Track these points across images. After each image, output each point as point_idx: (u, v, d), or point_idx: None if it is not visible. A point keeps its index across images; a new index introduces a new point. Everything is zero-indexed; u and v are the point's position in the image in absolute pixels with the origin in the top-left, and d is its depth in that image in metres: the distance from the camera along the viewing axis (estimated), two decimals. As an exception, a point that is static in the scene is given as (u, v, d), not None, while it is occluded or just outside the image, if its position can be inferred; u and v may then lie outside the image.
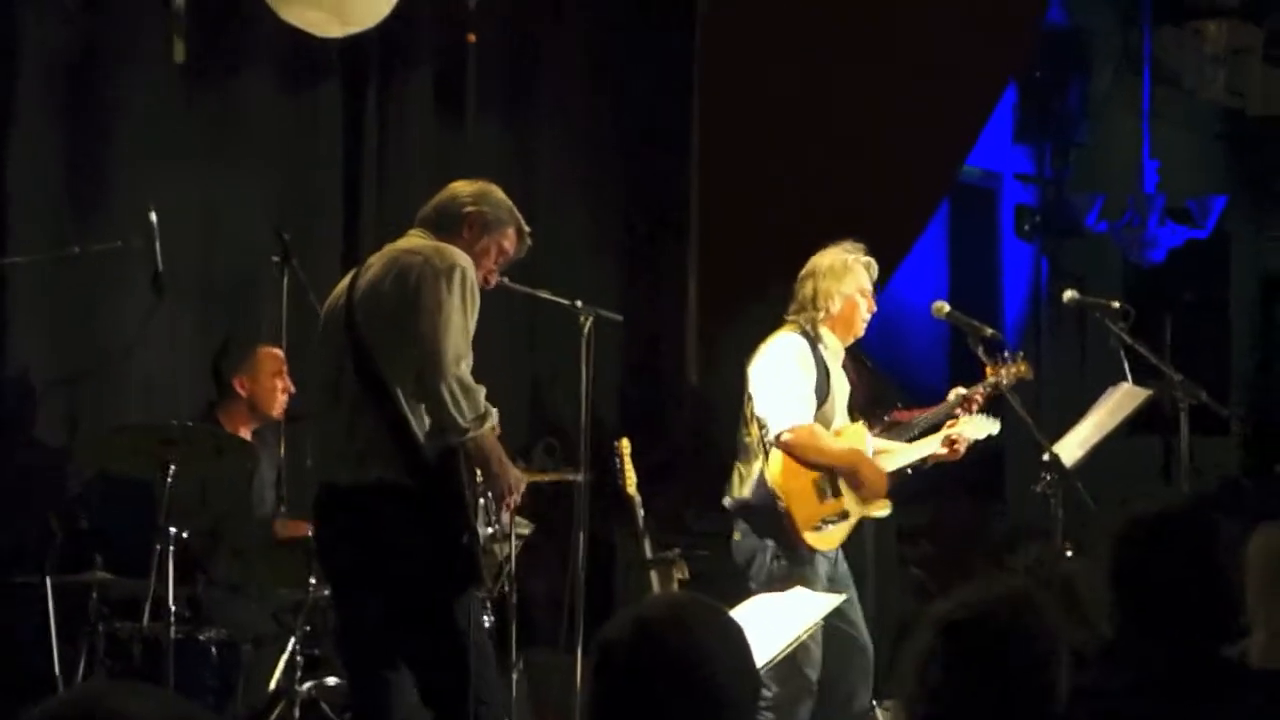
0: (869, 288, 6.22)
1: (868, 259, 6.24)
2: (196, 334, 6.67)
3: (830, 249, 6.24)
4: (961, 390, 6.34)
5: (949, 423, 6.29)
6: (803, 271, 6.22)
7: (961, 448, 6.26)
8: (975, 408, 6.33)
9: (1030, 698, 2.71)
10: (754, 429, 6.08)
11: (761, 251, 6.41)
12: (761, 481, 6.00)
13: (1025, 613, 2.77)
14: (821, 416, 6.07)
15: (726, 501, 6.15)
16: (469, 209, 4.96)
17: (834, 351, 6.18)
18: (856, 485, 6.05)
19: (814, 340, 6.13)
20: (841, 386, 6.21)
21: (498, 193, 5.05)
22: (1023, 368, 6.46)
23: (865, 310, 6.22)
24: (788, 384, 6.04)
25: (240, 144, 6.88)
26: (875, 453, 6.20)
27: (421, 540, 4.67)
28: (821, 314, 6.13)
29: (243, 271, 6.83)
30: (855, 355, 6.66)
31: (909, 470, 6.29)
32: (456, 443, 4.66)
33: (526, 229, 5.07)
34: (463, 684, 4.67)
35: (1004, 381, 6.33)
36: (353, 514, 4.75)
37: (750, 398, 6.11)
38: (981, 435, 6.35)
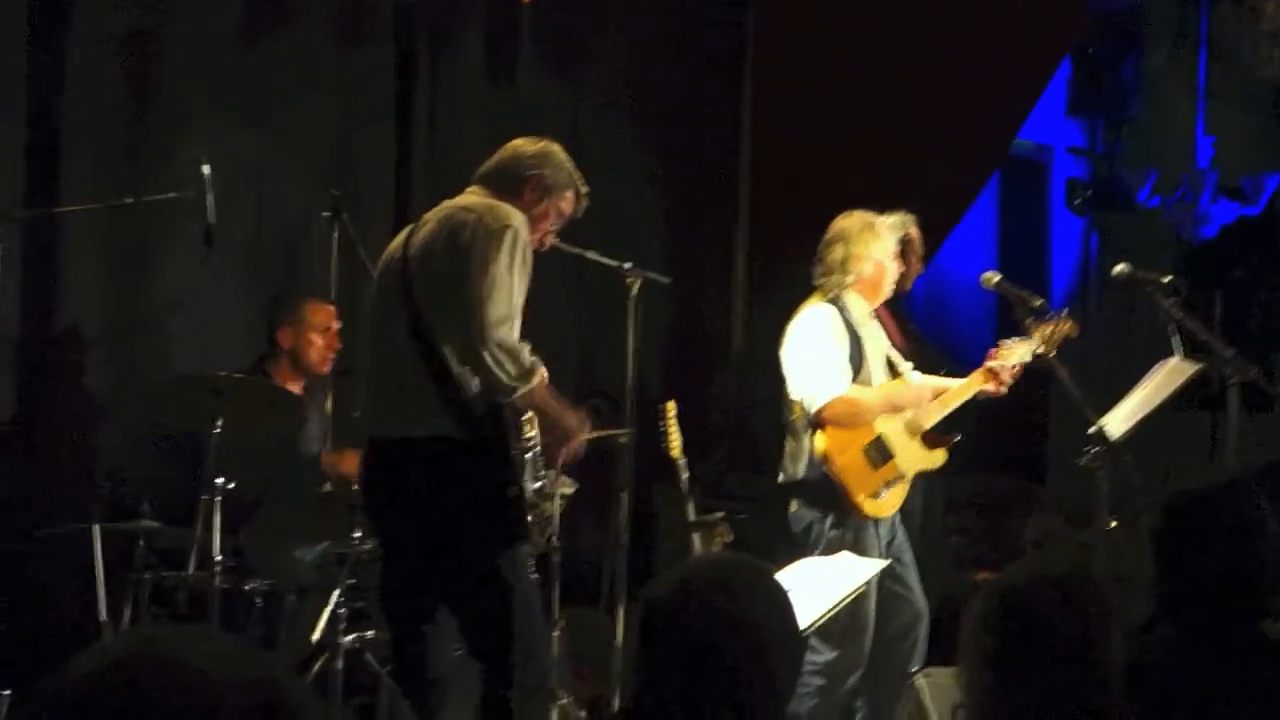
0: (896, 249, 6.20)
1: (894, 219, 6.21)
2: (247, 288, 6.70)
3: (855, 212, 6.22)
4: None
5: (989, 353, 6.28)
6: (828, 235, 6.19)
7: (1006, 377, 6.24)
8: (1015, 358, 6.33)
9: (1083, 669, 2.72)
10: (797, 408, 6.08)
11: (810, 218, 6.38)
12: (813, 459, 6.01)
13: (1080, 585, 2.78)
14: (858, 383, 6.06)
15: (780, 479, 6.16)
16: (530, 171, 4.94)
17: (863, 314, 6.17)
18: (906, 410, 6.06)
19: (842, 307, 6.12)
20: (876, 348, 6.19)
21: (560, 154, 5.03)
22: (1067, 325, 6.44)
23: (895, 273, 6.20)
24: (819, 359, 6.02)
25: (293, 100, 6.90)
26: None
27: (469, 494, 4.68)
28: (850, 278, 6.11)
29: (293, 227, 6.86)
30: (901, 321, 6.65)
31: (958, 437, 6.29)
32: (506, 400, 4.67)
33: (585, 190, 5.06)
34: (509, 637, 4.69)
35: (1050, 339, 6.32)
36: (401, 468, 4.77)
37: (787, 381, 6.11)
38: (1027, 357, 6.32)
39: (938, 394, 6.24)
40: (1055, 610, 2.74)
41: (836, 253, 6.13)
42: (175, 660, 1.50)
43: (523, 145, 5.02)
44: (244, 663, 1.52)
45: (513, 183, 4.93)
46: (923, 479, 6.33)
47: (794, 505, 6.12)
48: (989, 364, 6.24)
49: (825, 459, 5.97)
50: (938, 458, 6.23)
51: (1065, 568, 2.81)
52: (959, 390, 6.25)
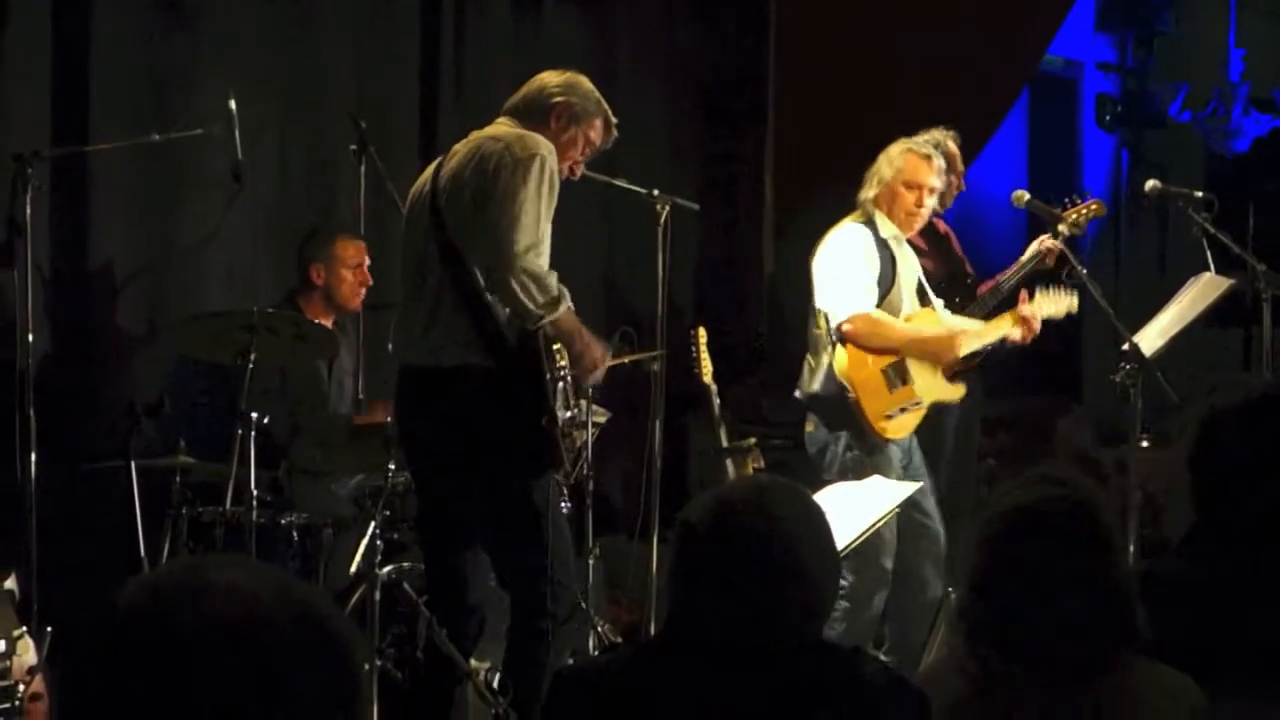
0: (924, 180, 6.12)
1: (926, 151, 6.15)
2: (276, 223, 6.70)
3: (905, 138, 6.20)
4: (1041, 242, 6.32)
5: (1022, 297, 6.26)
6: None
7: (1036, 325, 6.22)
8: (1050, 260, 6.30)
9: (1081, 588, 2.72)
10: (821, 321, 6.07)
11: (838, 140, 6.37)
12: (830, 374, 6.00)
13: (1077, 506, 2.78)
14: (887, 305, 6.04)
15: (798, 394, 6.17)
16: (557, 99, 4.94)
17: (897, 239, 6.14)
18: (931, 359, 6.04)
19: (875, 228, 6.10)
20: (909, 273, 6.16)
21: (586, 83, 5.02)
22: (1094, 205, 6.42)
23: (914, 202, 6.13)
24: (848, 274, 6.01)
25: (317, 33, 6.87)
26: (951, 331, 6.18)
27: (501, 423, 4.70)
28: (867, 194, 6.11)
29: (321, 161, 6.85)
30: (942, 236, 6.63)
31: (984, 353, 6.27)
32: (534, 328, 4.68)
33: (614, 120, 5.05)
34: (540, 566, 4.71)
35: (1079, 221, 6.31)
36: (434, 397, 4.78)
37: (814, 290, 6.10)
38: (1060, 312, 6.30)
39: (967, 332, 6.21)
40: (1037, 538, 2.74)
41: (870, 173, 6.13)
42: (216, 586, 1.51)
43: (548, 76, 5.03)
44: (283, 588, 1.54)
45: (540, 112, 4.93)
46: (958, 405, 6.32)
47: (810, 425, 6.13)
48: (1021, 310, 6.22)
49: (843, 373, 5.96)
50: (957, 391, 6.20)
51: (1054, 495, 2.79)
52: (986, 331, 6.22)
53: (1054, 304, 6.29)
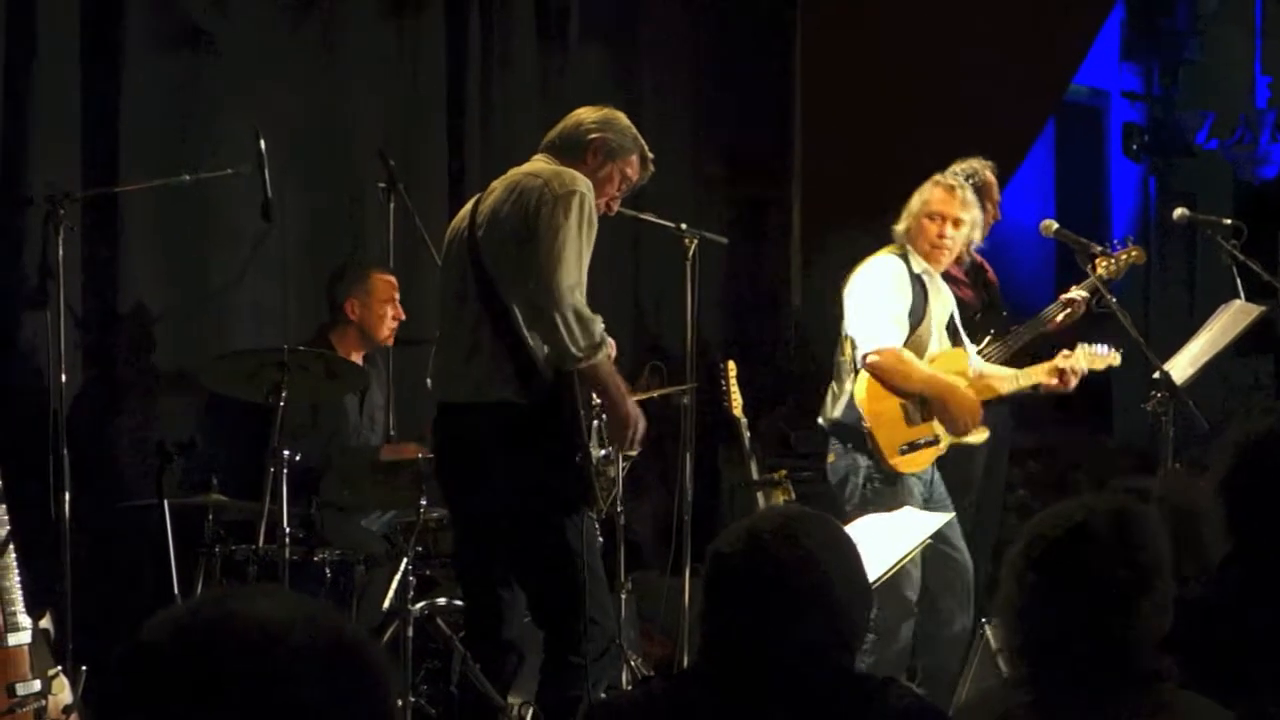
0: (946, 211, 6.06)
1: (951, 182, 6.12)
2: (305, 260, 6.73)
3: (940, 174, 6.19)
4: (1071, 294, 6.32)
5: (1064, 353, 6.23)
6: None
7: (1073, 381, 6.20)
8: (1081, 309, 6.29)
9: (1124, 613, 2.70)
10: (848, 348, 6.06)
11: (865, 172, 6.38)
12: (851, 402, 5.99)
13: (1123, 526, 2.76)
14: (916, 339, 6.02)
15: (820, 421, 6.16)
16: (593, 135, 4.94)
17: (929, 273, 6.12)
18: (945, 417, 5.99)
19: (909, 262, 6.08)
20: (941, 310, 6.14)
21: (622, 119, 5.02)
22: (1135, 252, 6.40)
23: (936, 233, 6.10)
24: (879, 304, 5.99)
25: (345, 71, 6.92)
26: (981, 377, 6.15)
27: (536, 460, 4.69)
28: (898, 228, 6.10)
29: (349, 198, 6.89)
30: (977, 266, 6.63)
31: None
32: (572, 369, 4.69)
33: (650, 155, 5.05)
34: (575, 603, 4.71)
35: (1120, 269, 6.30)
36: (470, 433, 4.78)
37: (843, 317, 6.10)
38: (1099, 367, 6.29)
39: (994, 377, 6.19)
40: (1092, 553, 2.72)
41: (905, 206, 6.12)
42: (248, 616, 1.51)
43: (585, 112, 5.03)
44: (315, 616, 1.54)
45: (577, 148, 4.94)
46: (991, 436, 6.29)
47: (831, 455, 6.10)
48: (1058, 362, 6.20)
49: (861, 403, 5.95)
50: (979, 434, 6.15)
51: (1107, 509, 2.77)
52: (1019, 378, 6.20)
53: (1095, 360, 6.27)
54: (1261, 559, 3.11)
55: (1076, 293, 6.38)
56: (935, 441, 6.00)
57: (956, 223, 6.08)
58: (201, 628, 1.51)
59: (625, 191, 5.05)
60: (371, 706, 1.53)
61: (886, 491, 5.91)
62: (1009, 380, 6.18)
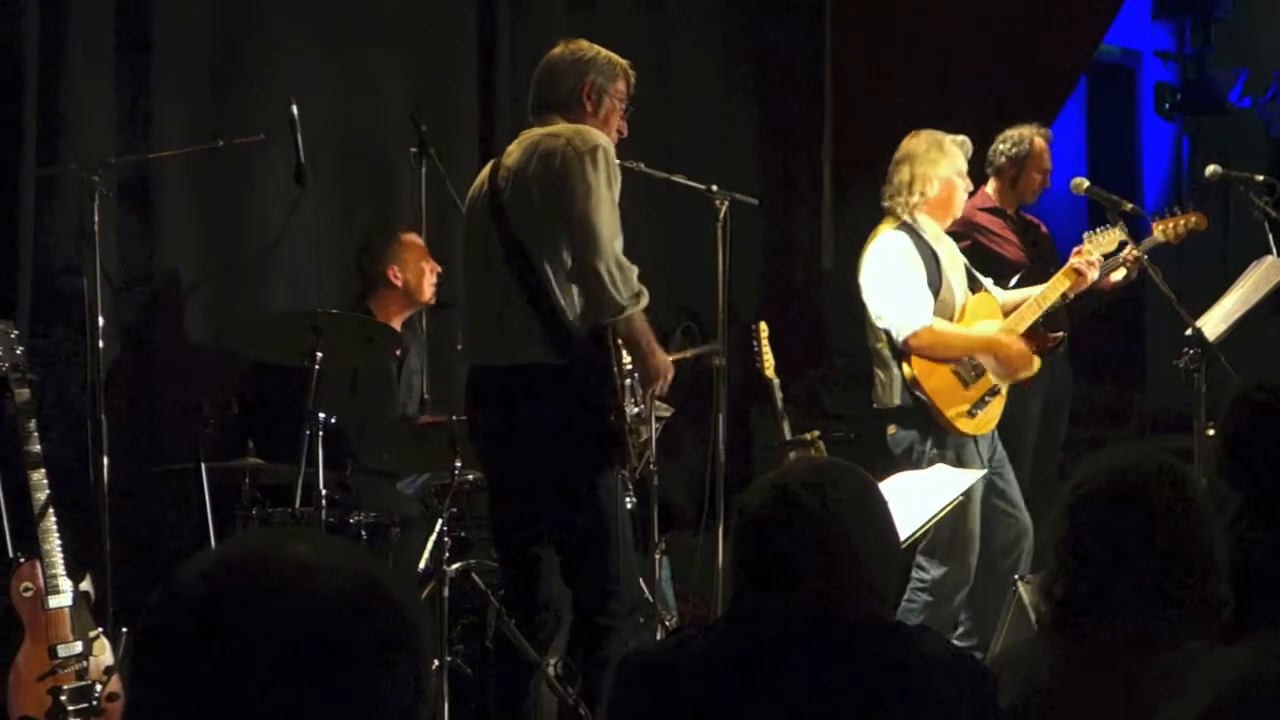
0: (965, 168, 6.16)
1: (962, 138, 6.18)
2: (339, 224, 6.76)
3: (922, 131, 6.18)
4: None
5: (1074, 250, 6.27)
6: (896, 155, 6.15)
7: (1092, 272, 6.21)
8: (1135, 272, 6.33)
9: (1163, 566, 2.72)
10: (882, 335, 6.08)
11: (896, 132, 6.36)
12: (905, 386, 6.02)
13: (1169, 476, 2.77)
14: (941, 305, 6.04)
15: (875, 406, 6.18)
16: (581, 83, 4.95)
17: (935, 235, 6.13)
18: (996, 368, 6.06)
19: (914, 230, 6.08)
20: (954, 265, 6.17)
21: (589, 48, 5.03)
22: (1194, 218, 6.40)
23: (963, 191, 6.16)
24: (899, 286, 6.01)
25: (376, 34, 6.93)
26: (1006, 314, 6.18)
27: (570, 420, 4.72)
28: (917, 199, 6.07)
29: (382, 162, 6.91)
30: (1031, 224, 6.67)
31: (1063, 339, 6.29)
32: (610, 322, 4.70)
33: (626, 64, 5.05)
34: (605, 563, 4.74)
35: (1179, 231, 6.32)
36: (504, 395, 4.81)
37: (868, 308, 6.11)
38: (1111, 246, 6.30)
39: (1025, 301, 6.22)
40: (1130, 507, 2.73)
41: (904, 174, 6.10)
42: (284, 559, 1.53)
43: (558, 64, 5.00)
44: (348, 557, 1.55)
45: (574, 101, 4.95)
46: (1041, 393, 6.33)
47: (892, 428, 6.14)
48: (1073, 262, 6.22)
49: (915, 383, 5.97)
50: (1034, 366, 6.20)
51: (1141, 466, 2.78)
52: (1045, 294, 6.21)
53: (1103, 243, 6.29)
54: (1271, 510, 3.12)
55: (1131, 252, 6.37)
56: (997, 391, 6.07)
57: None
58: (236, 570, 1.52)
59: (628, 111, 5.05)
60: (405, 647, 1.53)
61: (952, 457, 5.94)
62: (1033, 305, 6.19)
